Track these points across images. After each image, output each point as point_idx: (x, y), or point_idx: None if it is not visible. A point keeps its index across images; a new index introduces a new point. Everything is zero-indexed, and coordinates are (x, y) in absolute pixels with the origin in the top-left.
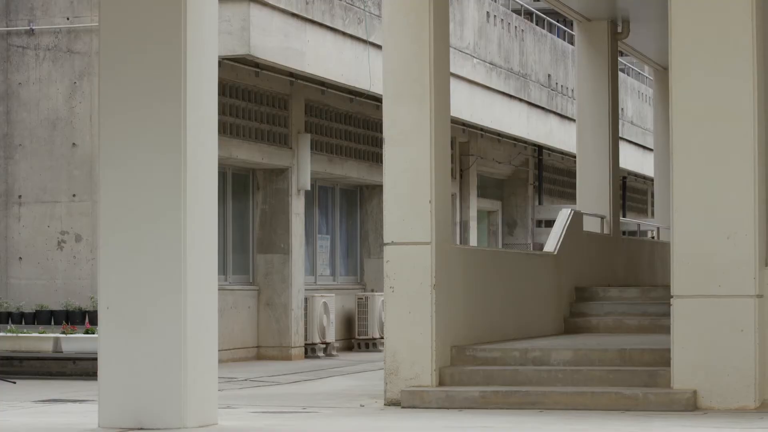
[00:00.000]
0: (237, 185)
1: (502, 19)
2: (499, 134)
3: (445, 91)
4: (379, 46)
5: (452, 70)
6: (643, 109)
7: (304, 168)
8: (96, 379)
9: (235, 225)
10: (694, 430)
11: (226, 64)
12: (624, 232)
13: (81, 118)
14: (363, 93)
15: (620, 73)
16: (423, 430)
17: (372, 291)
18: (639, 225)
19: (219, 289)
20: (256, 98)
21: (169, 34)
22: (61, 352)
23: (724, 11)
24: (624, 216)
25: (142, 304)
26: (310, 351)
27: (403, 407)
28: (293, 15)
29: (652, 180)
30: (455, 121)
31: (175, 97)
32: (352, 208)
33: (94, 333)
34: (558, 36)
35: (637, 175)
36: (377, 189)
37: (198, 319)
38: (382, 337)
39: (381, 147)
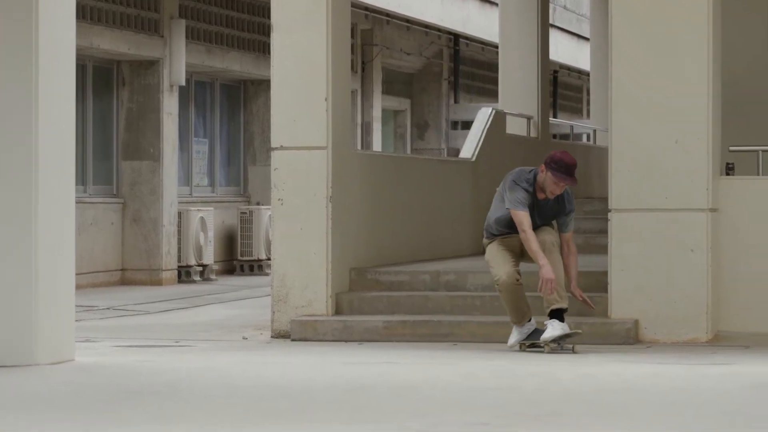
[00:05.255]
0: (98, 80)
1: None
2: (408, 20)
3: None
4: None
5: None
6: None
7: (178, 60)
8: None
9: (97, 127)
10: (635, 366)
11: None
12: (554, 135)
13: None
14: None
15: None
16: (316, 366)
17: (257, 204)
18: (572, 127)
19: (77, 203)
20: None
21: None
22: None
23: None
24: (555, 116)
25: None
26: (184, 274)
27: (293, 340)
28: None
29: (588, 75)
30: (356, 5)
31: None
32: (235, 108)
33: None
34: None
35: (570, 69)
36: (264, 85)
37: (51, 239)
38: (269, 259)
39: (268, 35)
